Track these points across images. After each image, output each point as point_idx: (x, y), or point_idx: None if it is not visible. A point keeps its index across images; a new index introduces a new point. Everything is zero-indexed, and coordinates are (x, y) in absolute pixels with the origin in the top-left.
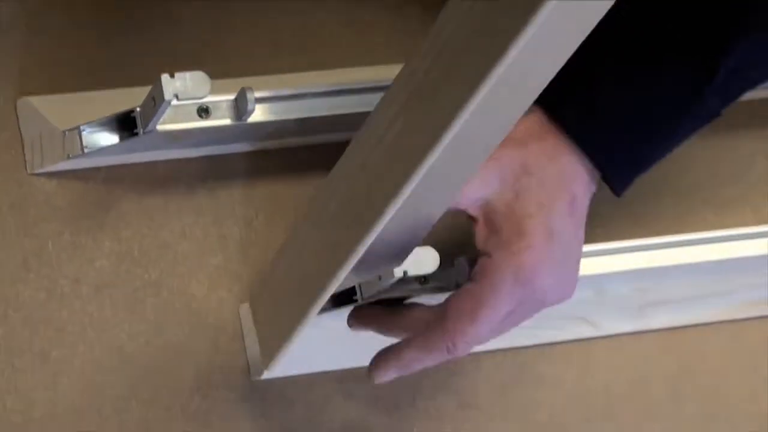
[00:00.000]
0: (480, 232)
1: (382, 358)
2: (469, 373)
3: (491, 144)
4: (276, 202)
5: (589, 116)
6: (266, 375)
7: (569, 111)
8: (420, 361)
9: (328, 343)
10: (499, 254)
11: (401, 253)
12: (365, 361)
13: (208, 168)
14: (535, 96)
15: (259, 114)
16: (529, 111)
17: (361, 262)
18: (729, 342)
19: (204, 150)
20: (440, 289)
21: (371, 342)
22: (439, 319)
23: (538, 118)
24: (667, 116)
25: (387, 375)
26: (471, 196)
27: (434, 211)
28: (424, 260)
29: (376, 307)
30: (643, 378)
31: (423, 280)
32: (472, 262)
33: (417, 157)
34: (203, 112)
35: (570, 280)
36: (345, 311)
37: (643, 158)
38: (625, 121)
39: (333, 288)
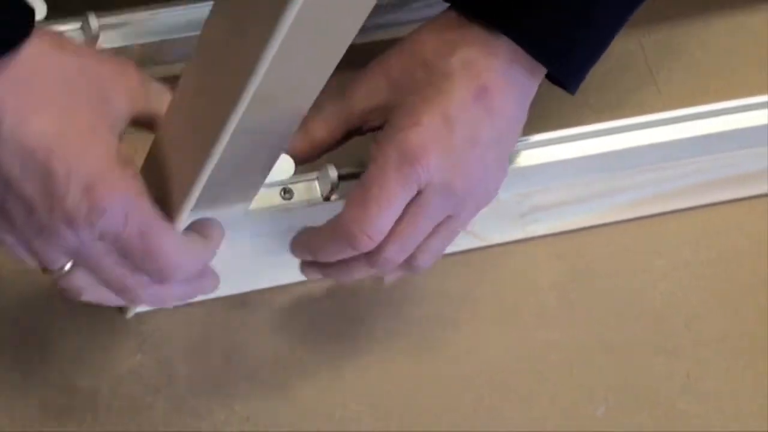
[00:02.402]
0: (378, 133)
1: (298, 240)
2: (353, 291)
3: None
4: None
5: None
6: (140, 309)
7: (489, 6)
8: (326, 250)
9: None
10: (385, 136)
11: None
12: (243, 288)
13: None
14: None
15: (106, 41)
16: (442, 15)
17: (211, 184)
18: (616, 243)
19: None
20: (307, 202)
21: (247, 269)
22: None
23: (447, 21)
24: None
25: (302, 256)
26: (360, 107)
27: (277, 135)
28: (277, 167)
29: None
30: (531, 286)
31: (287, 194)
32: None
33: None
34: None
35: (476, 173)
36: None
37: (582, 40)
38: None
39: (183, 222)
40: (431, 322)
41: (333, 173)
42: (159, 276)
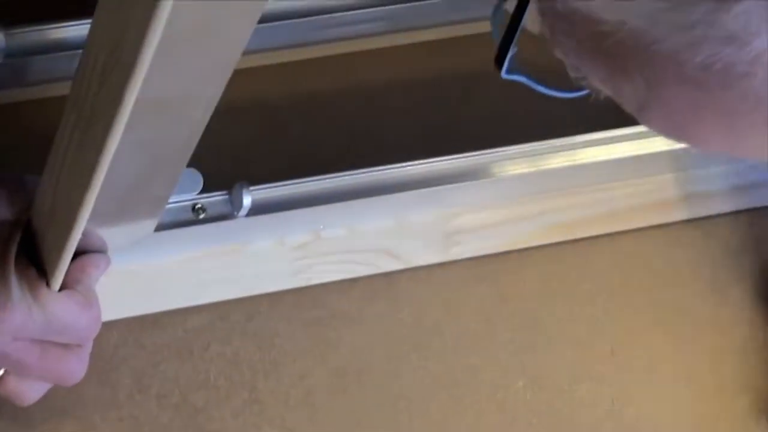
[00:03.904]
0: None
1: None
2: (267, 314)
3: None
4: None
5: None
6: None
7: None
8: None
9: (112, 291)
10: None
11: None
12: (155, 308)
13: None
14: None
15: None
16: None
17: (109, 198)
18: (542, 267)
19: None
20: (222, 218)
21: (159, 288)
22: None
23: None
24: None
25: None
26: None
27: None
28: (184, 182)
29: None
30: (454, 309)
31: (198, 211)
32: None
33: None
34: None
35: None
36: (124, 256)
37: None
38: None
39: (72, 246)
40: (351, 346)
41: (245, 189)
42: (86, 336)
